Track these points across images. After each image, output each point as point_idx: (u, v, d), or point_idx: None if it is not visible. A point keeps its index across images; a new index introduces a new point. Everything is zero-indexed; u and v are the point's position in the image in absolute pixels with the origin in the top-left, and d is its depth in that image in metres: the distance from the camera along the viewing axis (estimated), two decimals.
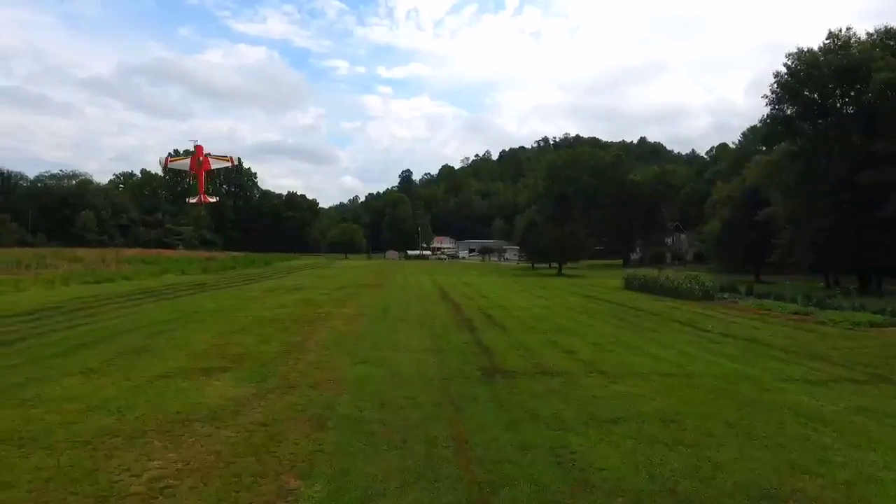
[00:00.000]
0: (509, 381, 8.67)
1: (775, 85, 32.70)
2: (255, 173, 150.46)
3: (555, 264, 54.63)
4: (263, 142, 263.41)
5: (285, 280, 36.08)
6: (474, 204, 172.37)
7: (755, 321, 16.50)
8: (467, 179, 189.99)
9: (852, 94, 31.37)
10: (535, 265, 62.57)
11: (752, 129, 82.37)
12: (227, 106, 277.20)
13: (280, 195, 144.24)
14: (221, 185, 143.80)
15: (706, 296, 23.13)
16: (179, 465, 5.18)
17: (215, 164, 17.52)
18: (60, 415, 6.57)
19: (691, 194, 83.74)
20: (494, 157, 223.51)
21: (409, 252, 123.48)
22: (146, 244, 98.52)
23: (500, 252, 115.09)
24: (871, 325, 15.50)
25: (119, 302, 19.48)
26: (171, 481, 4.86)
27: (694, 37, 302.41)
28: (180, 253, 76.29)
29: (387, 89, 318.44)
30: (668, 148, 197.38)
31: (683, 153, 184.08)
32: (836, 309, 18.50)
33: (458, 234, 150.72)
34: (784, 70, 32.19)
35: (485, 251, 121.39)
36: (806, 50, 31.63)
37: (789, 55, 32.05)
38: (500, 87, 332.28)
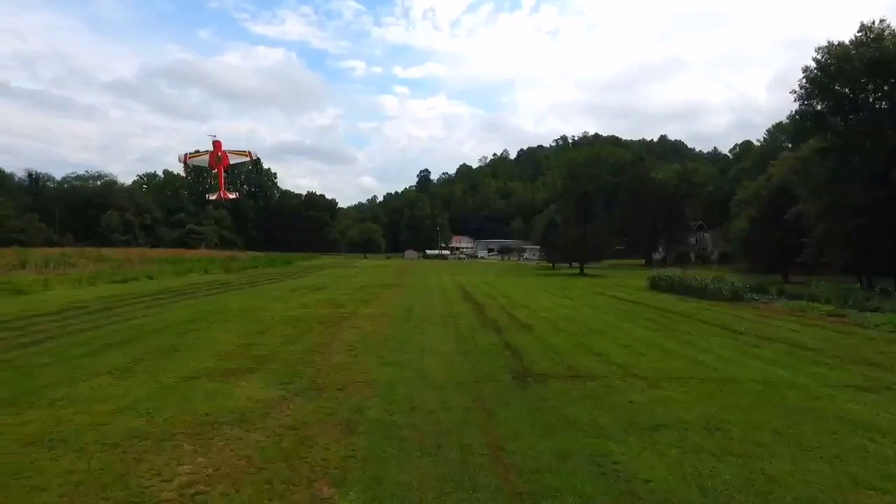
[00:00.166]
0: (541, 385, 8.41)
1: (804, 80, 31.72)
2: (275, 173, 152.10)
3: (575, 264, 54.00)
4: (282, 142, 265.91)
5: (306, 279, 36.18)
6: (492, 203, 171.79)
7: (791, 323, 15.94)
8: (485, 179, 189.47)
9: (885, 88, 30.28)
10: (556, 265, 61.96)
11: (778, 125, 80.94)
12: (245, 107, 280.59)
13: (299, 195, 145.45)
14: (242, 186, 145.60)
15: (735, 297, 22.51)
16: (210, 471, 5.05)
17: (234, 160, 17.47)
18: (90, 416, 6.51)
19: (715, 193, 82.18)
20: (512, 156, 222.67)
21: (428, 252, 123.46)
22: (169, 244, 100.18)
23: (520, 252, 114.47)
24: None
25: (144, 301, 19.63)
26: (201, 487, 4.73)
27: (714, 33, 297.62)
28: (202, 252, 77.21)
29: (403, 89, 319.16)
30: (690, 146, 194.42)
31: (705, 151, 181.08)
32: (874, 311, 17.83)
33: (477, 234, 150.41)
34: (813, 64, 31.20)
35: (504, 251, 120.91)
36: (837, 43, 30.61)
37: (819, 49, 31.05)
38: (516, 86, 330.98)
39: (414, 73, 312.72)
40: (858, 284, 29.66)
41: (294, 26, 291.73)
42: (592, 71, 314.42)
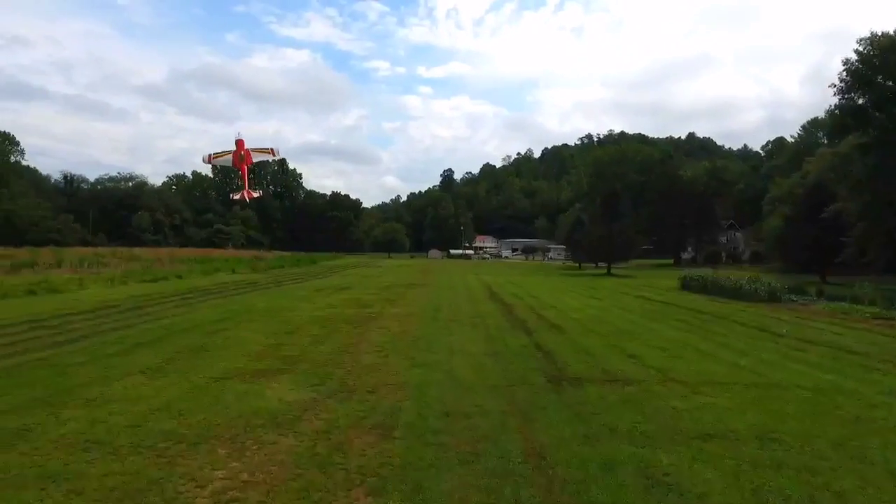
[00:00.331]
0: (577, 389, 8.12)
1: (844, 73, 30.68)
2: (301, 174, 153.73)
3: (602, 264, 53.23)
4: (307, 143, 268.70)
5: (332, 279, 36.34)
6: (516, 203, 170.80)
7: (834, 326, 15.28)
8: (509, 178, 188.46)
9: None
10: (582, 265, 61.18)
11: (814, 121, 78.60)
12: (272, 108, 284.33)
13: (324, 195, 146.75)
14: (268, 186, 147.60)
15: (772, 297, 21.74)
16: (245, 476, 4.92)
17: (257, 157, 17.43)
18: (123, 416, 6.47)
19: (746, 191, 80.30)
20: (536, 155, 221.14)
21: (452, 251, 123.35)
22: (197, 244, 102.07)
23: (544, 251, 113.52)
24: None
25: (174, 300, 19.87)
26: (236, 494, 4.61)
27: (744, 27, 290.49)
28: (229, 252, 78.40)
29: (427, 89, 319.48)
30: (719, 143, 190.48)
31: (735, 148, 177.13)
32: None
33: (501, 234, 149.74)
34: (854, 57, 30.12)
35: (528, 250, 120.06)
36: (881, 34, 29.46)
37: (861, 40, 29.98)
38: (540, 85, 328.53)
39: (437, 72, 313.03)
40: None
41: (319, 28, 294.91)
42: (618, 68, 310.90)
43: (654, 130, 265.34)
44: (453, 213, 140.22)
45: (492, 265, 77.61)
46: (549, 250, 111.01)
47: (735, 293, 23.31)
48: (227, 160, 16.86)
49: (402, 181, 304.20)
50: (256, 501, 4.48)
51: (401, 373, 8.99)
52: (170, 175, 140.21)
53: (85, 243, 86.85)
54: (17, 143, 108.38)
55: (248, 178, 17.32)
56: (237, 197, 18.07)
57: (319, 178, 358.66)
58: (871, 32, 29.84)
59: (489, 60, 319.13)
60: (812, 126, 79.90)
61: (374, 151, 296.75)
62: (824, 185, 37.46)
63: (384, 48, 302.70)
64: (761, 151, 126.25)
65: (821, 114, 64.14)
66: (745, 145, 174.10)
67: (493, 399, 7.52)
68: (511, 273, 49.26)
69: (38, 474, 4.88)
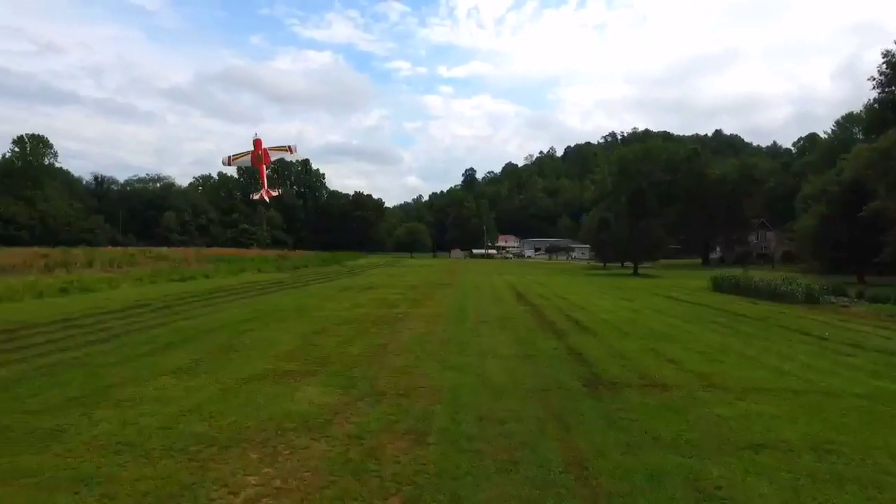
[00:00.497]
0: (615, 395, 7.83)
1: (884, 65, 29.56)
2: (324, 174, 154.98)
3: (627, 264, 52.36)
4: (329, 143, 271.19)
5: (356, 279, 36.41)
6: (539, 202, 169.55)
7: (880, 329, 14.61)
8: (531, 177, 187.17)
9: None
10: (607, 264, 60.29)
11: (849, 116, 76.12)
12: (295, 110, 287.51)
13: (347, 195, 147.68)
14: (292, 187, 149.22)
15: (810, 299, 20.97)
16: (277, 483, 4.78)
17: (275, 155, 17.48)
18: (155, 418, 6.41)
19: (777, 189, 78.15)
20: (559, 153, 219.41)
21: (474, 251, 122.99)
22: (223, 243, 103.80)
23: (568, 251, 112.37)
24: None
25: (203, 299, 20.05)
26: (269, 502, 4.47)
27: (772, 22, 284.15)
28: (254, 252, 79.46)
29: (448, 89, 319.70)
30: (746, 140, 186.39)
31: (764, 146, 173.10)
32: None
33: (523, 233, 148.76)
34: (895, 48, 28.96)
35: (551, 250, 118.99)
36: None
37: None
38: (562, 83, 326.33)
39: (458, 72, 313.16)
40: None
41: (341, 29, 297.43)
42: (642, 65, 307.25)
43: (679, 128, 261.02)
44: (475, 213, 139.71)
45: (515, 265, 77.08)
46: (572, 250, 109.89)
47: (770, 294, 22.57)
48: (247, 160, 16.93)
49: (424, 181, 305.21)
50: None
51: (432, 376, 8.80)
52: (196, 176, 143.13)
53: (115, 243, 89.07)
54: (51, 146, 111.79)
55: (268, 177, 17.35)
56: (256, 197, 18.12)
57: (342, 179, 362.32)
58: None
59: (510, 59, 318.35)
60: (847, 121, 77.32)
61: (396, 151, 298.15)
62: (861, 182, 36.09)
63: (405, 48, 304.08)
64: (792, 148, 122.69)
65: (856, 108, 62.24)
66: (775, 142, 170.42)
67: (527, 404, 7.28)
68: (535, 273, 48.76)
69: (71, 477, 4.82)
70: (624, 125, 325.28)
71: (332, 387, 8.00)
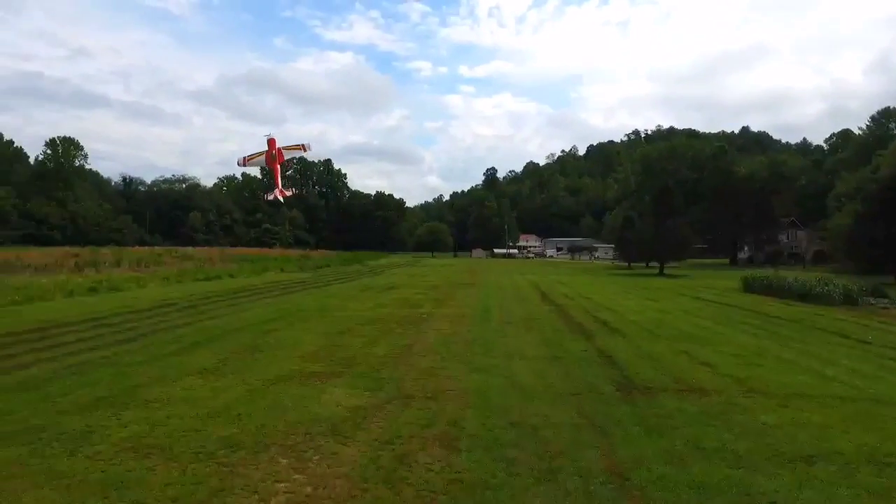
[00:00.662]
0: (650, 400, 7.54)
1: None
2: (346, 174, 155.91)
3: (652, 263, 51.48)
4: (350, 144, 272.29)
5: (378, 278, 36.42)
6: (561, 201, 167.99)
7: None
8: (553, 176, 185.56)
9: None
10: (631, 264, 59.36)
11: (885, 111, 73.83)
12: (317, 110, 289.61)
13: (368, 195, 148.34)
14: (314, 187, 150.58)
15: (848, 300, 20.21)
16: (308, 490, 4.64)
17: (289, 154, 17.45)
18: (182, 420, 6.34)
19: (808, 187, 76.04)
20: (581, 152, 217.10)
21: (496, 251, 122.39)
22: (247, 243, 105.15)
23: (591, 250, 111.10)
24: None
25: (227, 299, 20.18)
26: None
27: (802, 15, 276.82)
28: (277, 251, 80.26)
29: (469, 88, 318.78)
30: (775, 137, 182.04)
31: (793, 143, 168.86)
32: None
33: (545, 233, 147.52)
34: None
35: (574, 249, 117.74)
36: None
37: None
38: (585, 81, 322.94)
39: (479, 71, 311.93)
40: None
41: (362, 30, 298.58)
42: (666, 62, 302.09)
43: (705, 125, 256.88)
44: (497, 213, 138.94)
45: (537, 264, 76.45)
46: (595, 249, 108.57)
47: (804, 295, 21.85)
48: (261, 161, 16.94)
49: (444, 181, 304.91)
50: None
51: (459, 378, 8.61)
52: (220, 177, 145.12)
53: (142, 243, 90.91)
54: (82, 148, 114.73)
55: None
56: (271, 197, 18.17)
57: (363, 179, 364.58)
58: None
59: (532, 57, 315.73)
60: (882, 116, 74.98)
61: (417, 151, 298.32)
62: None
63: (426, 48, 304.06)
64: (824, 145, 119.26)
65: (891, 103, 60.17)
66: (805, 139, 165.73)
67: (560, 409, 7.05)
68: (558, 273, 48.24)
69: (101, 480, 4.75)
70: (647, 123, 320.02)
71: (359, 389, 7.87)
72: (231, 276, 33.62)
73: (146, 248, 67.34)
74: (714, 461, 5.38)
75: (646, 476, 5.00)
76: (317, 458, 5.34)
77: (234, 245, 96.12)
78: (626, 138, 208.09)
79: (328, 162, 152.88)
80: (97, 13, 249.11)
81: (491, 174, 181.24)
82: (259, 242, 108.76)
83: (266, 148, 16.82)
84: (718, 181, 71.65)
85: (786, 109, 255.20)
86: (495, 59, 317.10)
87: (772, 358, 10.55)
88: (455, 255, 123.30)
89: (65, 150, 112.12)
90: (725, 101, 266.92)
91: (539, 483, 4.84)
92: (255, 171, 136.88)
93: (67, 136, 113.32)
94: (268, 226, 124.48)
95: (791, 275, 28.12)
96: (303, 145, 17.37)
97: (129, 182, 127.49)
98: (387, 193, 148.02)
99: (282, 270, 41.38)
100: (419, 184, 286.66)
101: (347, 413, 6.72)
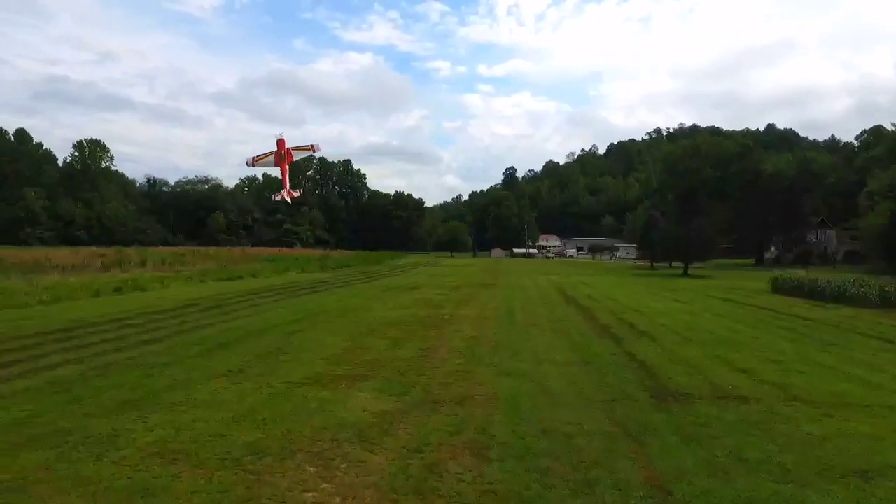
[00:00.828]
0: (686, 407, 7.25)
1: None
2: (365, 174, 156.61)
3: (676, 264, 50.58)
4: (369, 144, 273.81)
5: (399, 278, 36.37)
6: (581, 200, 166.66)
7: None
8: (573, 175, 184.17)
9: None
10: (654, 265, 58.45)
11: None
12: (336, 111, 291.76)
13: (388, 195, 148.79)
14: (334, 187, 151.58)
15: (886, 303, 19.43)
16: (337, 501, 4.50)
17: (297, 156, 17.32)
18: (208, 424, 6.25)
19: (837, 185, 73.94)
20: (601, 150, 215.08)
21: (515, 250, 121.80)
22: (267, 243, 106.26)
23: (612, 250, 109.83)
24: None
25: (250, 299, 20.26)
26: None
27: (829, 8, 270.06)
28: (298, 251, 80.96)
29: (488, 87, 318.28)
30: (802, 134, 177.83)
31: (821, 139, 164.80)
32: None
33: (565, 232, 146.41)
34: None
35: (594, 249, 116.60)
36: None
37: None
38: (605, 79, 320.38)
39: (498, 70, 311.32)
40: None
41: (382, 31, 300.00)
42: (688, 58, 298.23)
43: (729, 122, 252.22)
44: (516, 212, 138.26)
45: (558, 264, 75.79)
46: (616, 249, 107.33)
47: (838, 297, 21.13)
48: (270, 161, 16.86)
49: (463, 180, 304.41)
50: None
51: (487, 382, 8.41)
52: (242, 177, 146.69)
53: (166, 243, 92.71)
54: (107, 150, 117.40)
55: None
56: (278, 197, 18.09)
57: (382, 179, 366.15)
58: None
59: (551, 56, 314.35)
60: None
61: (435, 151, 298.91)
62: None
63: (445, 48, 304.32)
64: (854, 141, 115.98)
65: None
66: (833, 136, 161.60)
67: (593, 416, 6.80)
68: (580, 273, 47.69)
69: (127, 487, 4.66)
70: (669, 121, 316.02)
71: (385, 393, 7.71)
72: (253, 276, 33.86)
73: (170, 248, 68.45)
74: (760, 475, 5.09)
75: (688, 490, 4.74)
76: (344, 466, 5.18)
77: (255, 245, 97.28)
78: (647, 136, 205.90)
79: (348, 162, 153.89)
80: (123, 18, 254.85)
81: (510, 173, 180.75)
82: (279, 242, 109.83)
83: (275, 148, 16.74)
84: (744, 180, 70.06)
85: (812, 106, 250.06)
86: (514, 58, 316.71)
87: (811, 364, 10.13)
88: (474, 255, 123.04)
89: (91, 151, 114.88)
90: (749, 97, 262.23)
91: (575, 496, 4.61)
92: (275, 172, 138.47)
93: (94, 138, 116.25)
94: (288, 226, 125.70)
95: (822, 275, 27.28)
96: (312, 146, 17.29)
97: (153, 183, 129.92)
98: (406, 193, 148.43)
99: (303, 270, 41.59)
100: (438, 183, 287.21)
101: (374, 418, 6.57)
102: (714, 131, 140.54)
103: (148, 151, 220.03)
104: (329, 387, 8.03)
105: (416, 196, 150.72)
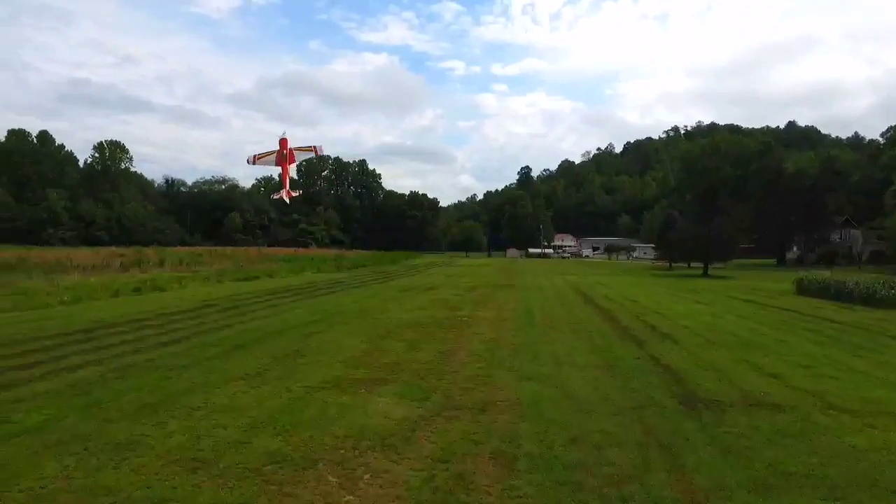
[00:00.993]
0: (718, 416, 6.97)
1: None
2: (380, 174, 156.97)
3: (695, 264, 49.82)
4: (384, 144, 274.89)
5: (414, 279, 36.25)
6: (597, 199, 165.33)
7: None
8: (589, 174, 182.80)
9: None
10: (673, 265, 57.67)
11: None
12: (351, 111, 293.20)
13: (402, 195, 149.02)
14: (349, 187, 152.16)
15: None
16: None
17: (300, 156, 17.23)
18: (227, 430, 6.13)
19: (862, 183, 72.25)
20: (617, 150, 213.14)
21: (530, 250, 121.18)
22: (283, 243, 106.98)
23: (629, 250, 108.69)
24: None
25: (267, 300, 20.24)
26: None
27: (850, 3, 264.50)
28: (313, 251, 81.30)
29: (502, 87, 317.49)
30: (824, 132, 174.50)
31: (844, 137, 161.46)
32: None
33: (580, 232, 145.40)
34: None
35: (611, 249, 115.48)
36: None
37: None
38: (621, 77, 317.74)
39: (513, 69, 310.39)
40: None
41: (397, 31, 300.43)
42: (706, 56, 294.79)
43: (747, 120, 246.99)
44: (531, 212, 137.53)
45: (574, 264, 75.15)
46: (633, 249, 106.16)
47: (867, 299, 20.53)
48: (271, 160, 16.77)
49: (477, 180, 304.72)
50: None
51: (509, 387, 8.20)
52: (258, 178, 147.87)
53: (184, 243, 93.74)
54: (127, 151, 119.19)
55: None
56: (276, 197, 17.99)
57: (396, 179, 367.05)
58: None
59: (566, 55, 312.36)
60: None
61: (449, 151, 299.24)
62: None
63: (459, 48, 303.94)
64: (880, 139, 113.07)
65: None
66: (857, 133, 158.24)
67: (621, 424, 6.56)
68: (597, 273, 47.18)
69: (147, 497, 4.54)
70: (686, 119, 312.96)
71: (406, 398, 7.55)
72: (269, 276, 33.96)
73: (187, 248, 69.13)
74: (805, 491, 4.82)
75: None
76: (367, 476, 5.02)
77: (271, 245, 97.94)
78: (664, 135, 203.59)
79: (363, 162, 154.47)
80: (143, 21, 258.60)
81: (525, 173, 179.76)
82: (295, 242, 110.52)
83: (277, 147, 16.64)
84: (765, 178, 68.74)
85: (835, 102, 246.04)
86: (529, 57, 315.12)
87: (844, 369, 9.75)
88: (489, 255, 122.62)
89: (111, 153, 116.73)
90: (769, 95, 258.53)
91: None
92: (291, 172, 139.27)
93: (114, 139, 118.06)
94: (304, 226, 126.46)
95: (847, 276, 26.59)
96: (314, 147, 17.19)
97: (171, 184, 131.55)
98: (420, 193, 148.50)
99: (318, 270, 41.68)
100: (452, 183, 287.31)
101: (395, 425, 6.40)
102: (733, 129, 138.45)
103: (166, 152, 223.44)
104: (348, 391, 7.89)
105: (430, 196, 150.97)
